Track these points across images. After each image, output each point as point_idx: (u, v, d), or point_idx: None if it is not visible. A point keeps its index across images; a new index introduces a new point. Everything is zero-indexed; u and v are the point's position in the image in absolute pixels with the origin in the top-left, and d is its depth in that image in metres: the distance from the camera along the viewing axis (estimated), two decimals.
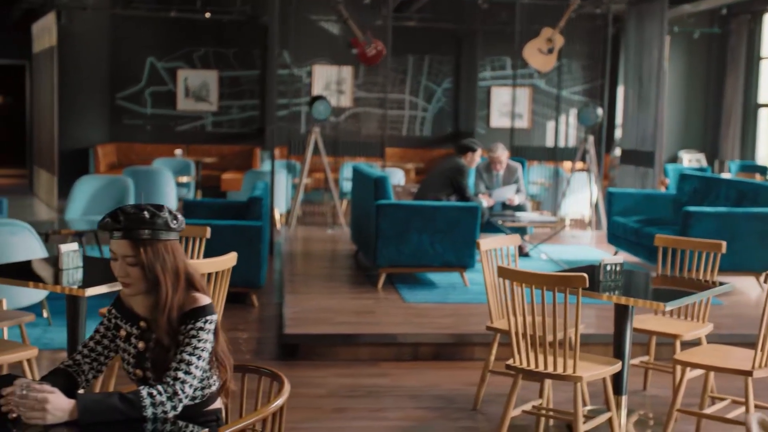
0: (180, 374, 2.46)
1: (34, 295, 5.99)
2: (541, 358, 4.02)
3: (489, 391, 5.09)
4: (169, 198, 11.01)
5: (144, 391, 2.40)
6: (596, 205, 10.85)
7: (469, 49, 15.41)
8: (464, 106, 15.60)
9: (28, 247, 5.86)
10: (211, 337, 2.56)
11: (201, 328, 2.53)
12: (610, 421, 4.18)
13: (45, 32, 13.47)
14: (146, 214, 2.51)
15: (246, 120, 15.28)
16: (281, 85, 15.09)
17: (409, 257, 7.10)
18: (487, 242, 4.82)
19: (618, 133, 14.81)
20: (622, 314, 4.45)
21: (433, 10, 14.71)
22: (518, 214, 8.44)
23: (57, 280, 4.31)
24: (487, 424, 4.71)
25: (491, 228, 8.22)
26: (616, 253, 8.77)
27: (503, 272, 4.06)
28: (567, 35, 11.69)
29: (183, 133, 15.12)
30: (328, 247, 9.46)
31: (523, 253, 8.78)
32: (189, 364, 2.49)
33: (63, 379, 2.56)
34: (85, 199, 9.07)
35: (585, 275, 3.83)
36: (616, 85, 14.96)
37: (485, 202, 8.26)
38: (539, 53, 10.66)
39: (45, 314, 6.29)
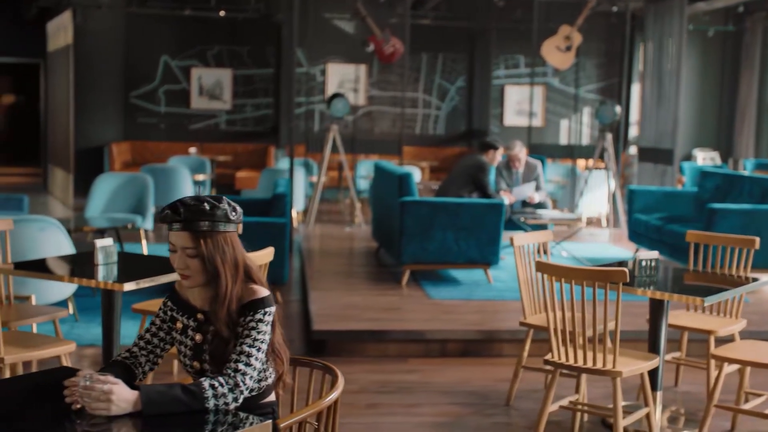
0: (240, 366, 2.46)
1: (61, 291, 6.00)
2: (580, 353, 4.02)
3: (520, 387, 5.09)
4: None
5: (206, 383, 2.39)
6: (614, 203, 10.82)
7: (482, 48, 15.40)
8: (478, 104, 15.59)
9: (56, 243, 5.87)
10: (269, 329, 2.56)
11: (260, 320, 2.53)
12: (647, 416, 4.17)
13: (61, 31, 13.49)
14: (206, 205, 2.51)
15: (260, 118, 15.29)
16: (295, 83, 15.10)
17: (433, 254, 7.10)
18: (520, 238, 4.82)
19: (632, 131, 14.80)
20: (657, 309, 4.44)
21: (448, 8, 14.71)
22: (539, 211, 8.43)
23: (92, 275, 4.30)
24: (521, 420, 4.70)
25: (512, 226, 8.21)
26: (637, 251, 8.76)
27: (542, 267, 4.05)
28: (583, 33, 11.67)
29: (197, 132, 15.14)
30: (348, 245, 9.45)
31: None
32: (249, 355, 2.48)
33: (121, 371, 2.56)
34: (105, 197, 9.09)
35: (626, 270, 3.83)
36: (629, 83, 14.95)
37: (507, 199, 8.25)
38: (557, 51, 10.64)
39: (71, 310, 6.30)
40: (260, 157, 15.09)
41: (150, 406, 2.30)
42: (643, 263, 4.44)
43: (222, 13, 14.36)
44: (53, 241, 5.83)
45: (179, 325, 2.65)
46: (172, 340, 2.69)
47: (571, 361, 4.03)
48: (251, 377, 2.47)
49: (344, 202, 13.51)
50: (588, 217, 11.61)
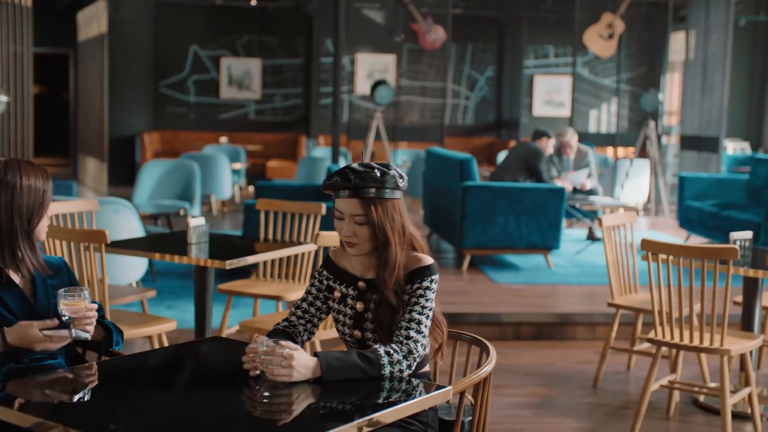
0: (412, 333, 2.44)
1: (131, 274, 5.99)
2: (686, 332, 4.00)
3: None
4: (226, 184, 11.01)
5: (381, 350, 2.38)
6: (657, 191, 10.78)
7: (512, 37, 15.33)
8: (507, 94, 15.54)
9: (130, 225, 5.85)
10: (434, 296, 2.54)
11: (428, 288, 2.51)
12: (749, 396, 4.16)
13: (93, 20, 13.46)
14: (377, 172, 2.48)
15: (289, 108, 15.26)
16: (324, 73, 15.07)
17: (494, 239, 7.08)
18: (609, 219, 4.80)
19: (664, 121, 14.73)
20: (752, 289, 4.43)
21: None
22: (591, 198, 8.40)
23: (185, 253, 4.27)
24: (612, 401, 4.69)
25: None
26: (688, 238, 8.74)
27: (648, 245, 4.03)
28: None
29: (226, 121, 15.12)
30: None
31: (594, 238, 8.74)
32: (419, 323, 2.46)
33: (285, 338, 2.54)
34: (152, 184, 9.08)
35: (736, 247, 3.81)
36: (661, 73, 14.89)
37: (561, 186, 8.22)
38: (599, 38, 10.60)
39: None
40: (290, 146, 15.06)
41: (330, 372, 2.29)
42: (737, 243, 4.42)
43: (253, 3, 14.32)
44: (127, 224, 5.82)
45: (337, 294, 2.62)
46: (328, 310, 2.66)
47: (676, 340, 4.01)
48: (422, 345, 2.46)
49: None
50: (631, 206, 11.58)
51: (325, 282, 2.66)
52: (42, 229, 2.68)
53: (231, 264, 4.03)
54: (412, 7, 10.89)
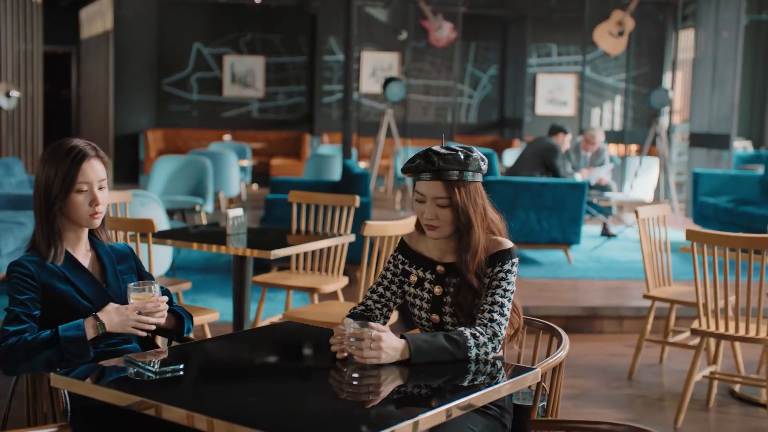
0: (495, 316, 2.44)
1: (157, 267, 5.95)
2: (731, 322, 4.00)
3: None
4: (234, 180, 10.98)
5: (467, 332, 2.37)
6: (667, 188, 10.80)
7: (516, 36, 15.35)
8: (510, 93, 15.55)
9: (157, 218, 5.80)
10: (514, 280, 2.53)
11: (509, 271, 2.50)
12: None
13: (98, 17, 13.41)
14: (460, 154, 2.47)
15: (292, 106, 15.23)
16: (327, 71, 15.05)
17: (515, 234, 6.98)
18: (644, 210, 4.81)
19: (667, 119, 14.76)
20: None
21: None
22: (607, 194, 8.41)
23: (223, 244, 4.25)
24: (650, 392, 4.69)
25: None
26: None
27: (693, 235, 4.04)
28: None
29: (229, 119, 15.08)
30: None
31: (608, 234, 8.75)
32: (502, 306, 2.46)
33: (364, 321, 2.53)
34: (164, 180, 9.04)
35: None
36: (663, 72, 14.94)
37: (580, 178, 8.24)
38: (609, 36, 10.62)
39: None
40: (293, 144, 15.03)
41: (418, 354, 2.28)
42: None
43: (257, 0, 14.28)
44: (154, 216, 5.78)
45: (414, 278, 2.61)
46: (403, 294, 2.65)
47: (721, 330, 4.02)
48: (505, 327, 2.45)
49: (379, 190, 13.48)
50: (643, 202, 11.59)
51: (400, 266, 2.65)
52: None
53: (275, 254, 4.02)
54: (423, 3, 10.88)
